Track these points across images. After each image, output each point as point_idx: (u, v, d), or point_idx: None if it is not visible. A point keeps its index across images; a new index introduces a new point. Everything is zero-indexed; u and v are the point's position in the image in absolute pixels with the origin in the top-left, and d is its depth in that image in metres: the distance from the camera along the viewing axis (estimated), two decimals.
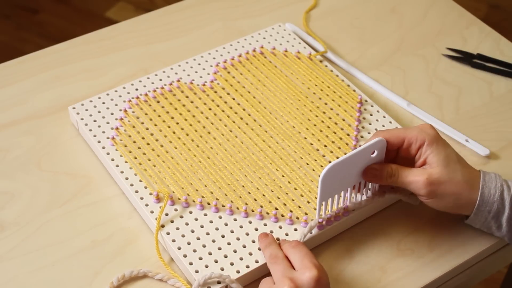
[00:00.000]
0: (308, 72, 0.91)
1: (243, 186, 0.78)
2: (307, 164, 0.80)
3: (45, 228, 0.76)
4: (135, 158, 0.80)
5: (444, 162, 0.72)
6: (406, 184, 0.72)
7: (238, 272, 0.70)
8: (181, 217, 0.75)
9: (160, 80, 0.89)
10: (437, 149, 0.72)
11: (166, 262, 0.73)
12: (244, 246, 0.73)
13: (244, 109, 0.86)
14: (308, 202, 0.76)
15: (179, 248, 0.72)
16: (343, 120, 0.85)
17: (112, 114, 0.85)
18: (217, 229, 0.74)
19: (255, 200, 0.76)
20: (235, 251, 0.72)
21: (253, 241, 0.73)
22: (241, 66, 0.91)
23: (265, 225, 0.74)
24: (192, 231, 0.74)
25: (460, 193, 0.72)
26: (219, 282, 0.70)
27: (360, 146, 0.82)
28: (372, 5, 1.06)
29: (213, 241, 0.73)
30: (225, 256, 0.72)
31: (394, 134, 0.73)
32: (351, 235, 0.76)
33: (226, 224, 0.74)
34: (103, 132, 0.82)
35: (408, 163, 0.74)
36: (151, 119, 0.84)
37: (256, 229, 0.74)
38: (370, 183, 0.75)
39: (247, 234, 0.74)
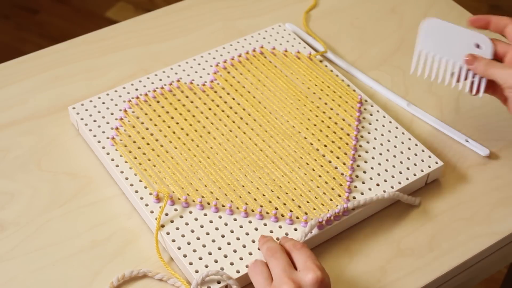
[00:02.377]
0: (308, 72, 0.91)
1: (243, 186, 0.78)
2: (307, 164, 0.80)
3: (45, 228, 0.76)
4: (135, 158, 0.80)
5: None
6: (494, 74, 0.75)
7: (238, 272, 0.71)
8: (181, 217, 0.75)
9: (160, 80, 0.89)
10: None
11: (166, 262, 0.73)
12: (244, 246, 0.73)
13: (244, 109, 0.86)
14: (308, 202, 0.76)
15: (179, 248, 0.72)
16: (343, 120, 0.85)
17: (112, 114, 0.85)
18: (217, 229, 0.74)
19: (255, 200, 0.76)
20: (235, 251, 0.72)
21: (253, 241, 0.73)
22: (241, 66, 0.91)
23: (265, 225, 0.74)
24: (192, 231, 0.74)
25: None
26: (219, 282, 0.70)
27: (360, 146, 0.82)
28: (372, 5, 1.06)
29: (213, 241, 0.73)
30: (225, 256, 0.72)
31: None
32: (351, 235, 0.76)
33: (226, 224, 0.74)
34: (103, 132, 0.82)
35: None
36: (151, 119, 0.84)
37: (256, 229, 0.74)
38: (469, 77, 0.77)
39: (247, 234, 0.74)
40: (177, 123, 0.83)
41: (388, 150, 0.82)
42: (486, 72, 0.76)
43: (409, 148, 0.83)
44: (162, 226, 0.74)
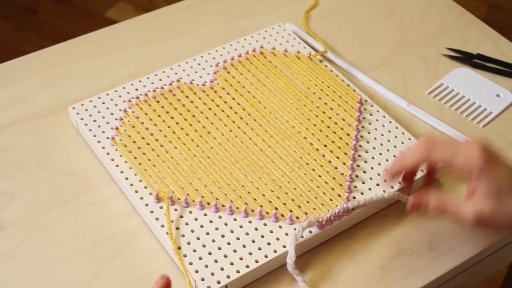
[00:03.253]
0: (308, 72, 0.91)
1: (243, 186, 0.78)
2: (307, 164, 0.80)
3: (45, 228, 0.76)
4: (135, 158, 0.80)
5: (497, 194, 0.65)
6: (454, 218, 0.69)
7: (238, 272, 0.70)
8: (181, 217, 0.75)
9: (160, 80, 0.89)
10: (489, 179, 0.65)
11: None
12: (244, 246, 0.73)
13: (244, 109, 0.86)
14: (308, 202, 0.76)
15: (179, 248, 0.72)
16: (343, 120, 0.85)
17: (112, 114, 0.85)
18: (217, 229, 0.74)
19: (255, 199, 0.76)
20: (235, 251, 0.72)
21: (253, 241, 0.73)
22: (241, 66, 0.91)
23: (265, 225, 0.74)
24: (192, 231, 0.74)
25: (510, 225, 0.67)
26: (218, 282, 0.70)
27: (360, 146, 0.82)
28: (372, 5, 1.06)
29: (213, 241, 0.73)
30: (225, 256, 0.72)
31: (440, 156, 0.67)
32: (351, 235, 0.76)
33: (226, 224, 0.74)
34: (103, 132, 0.82)
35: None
36: (151, 119, 0.84)
37: (256, 229, 0.74)
38: None
39: (247, 234, 0.74)
40: (177, 123, 0.83)
41: (388, 150, 0.82)
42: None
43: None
44: (162, 226, 0.74)
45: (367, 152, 0.82)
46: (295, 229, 0.74)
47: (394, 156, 0.82)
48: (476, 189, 0.67)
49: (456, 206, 0.68)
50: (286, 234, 0.74)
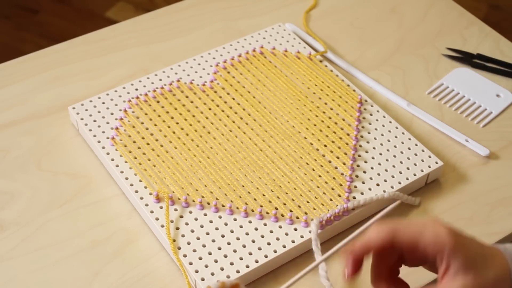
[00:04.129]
0: (308, 72, 0.91)
1: (243, 186, 0.78)
2: (307, 164, 0.80)
3: (45, 228, 0.76)
4: (135, 158, 0.80)
5: (473, 265, 0.60)
6: None
7: (238, 271, 0.70)
8: (181, 217, 0.75)
9: (160, 80, 0.89)
10: (463, 254, 0.60)
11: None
12: (244, 246, 0.73)
13: (244, 109, 0.86)
14: (308, 202, 0.76)
15: (179, 248, 0.72)
16: (343, 120, 0.85)
17: (112, 114, 0.85)
18: (217, 229, 0.74)
19: (255, 199, 0.76)
20: (235, 251, 0.72)
21: (253, 241, 0.73)
22: (241, 66, 0.91)
23: (265, 225, 0.74)
24: (192, 231, 0.74)
25: None
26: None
27: (360, 146, 0.82)
28: (372, 5, 1.06)
29: (213, 241, 0.73)
30: (225, 256, 0.72)
31: (407, 235, 0.61)
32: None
33: (226, 224, 0.74)
34: (103, 132, 0.82)
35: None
36: (151, 119, 0.84)
37: (256, 229, 0.74)
38: None
39: (247, 234, 0.74)
40: (177, 123, 0.83)
41: (388, 150, 0.82)
42: None
43: (409, 148, 0.83)
44: (162, 226, 0.74)
45: (367, 152, 0.82)
46: (295, 229, 0.74)
47: (394, 156, 0.82)
48: (450, 267, 0.61)
49: None
50: (286, 234, 0.74)
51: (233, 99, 0.87)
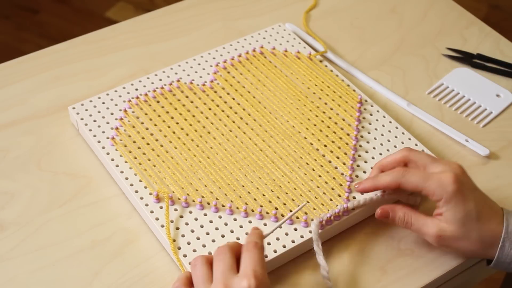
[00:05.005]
0: (308, 72, 0.91)
1: (243, 186, 0.78)
2: (307, 164, 0.80)
3: (45, 228, 0.76)
4: (135, 158, 0.80)
5: (461, 222, 0.68)
6: (418, 232, 0.72)
7: None
8: (181, 217, 0.75)
9: (160, 80, 0.89)
10: (455, 207, 0.69)
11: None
12: None
13: (244, 109, 0.86)
14: (308, 202, 0.76)
15: (179, 248, 0.72)
16: (343, 120, 0.85)
17: (112, 114, 0.85)
18: (217, 229, 0.74)
19: (255, 200, 0.76)
20: None
21: None
22: (241, 66, 0.91)
23: (265, 224, 0.74)
24: (192, 231, 0.74)
25: (474, 250, 0.70)
26: None
27: (360, 146, 0.82)
28: (372, 5, 1.06)
29: (213, 241, 0.73)
30: None
31: (412, 182, 0.70)
32: (351, 235, 0.76)
33: (226, 224, 0.74)
34: (103, 132, 0.82)
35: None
36: (151, 119, 0.84)
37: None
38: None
39: (247, 234, 0.74)
40: (177, 123, 0.83)
41: (388, 150, 0.82)
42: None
43: None
44: (162, 226, 0.74)
45: (367, 152, 0.82)
46: (295, 229, 0.74)
47: None
48: (443, 213, 0.70)
49: (421, 221, 0.71)
50: (286, 234, 0.74)
51: (233, 99, 0.87)
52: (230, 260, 0.65)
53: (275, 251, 0.72)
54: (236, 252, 0.66)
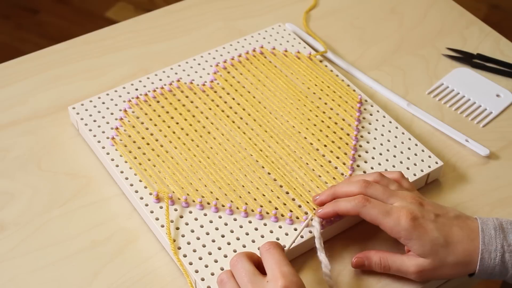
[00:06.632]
0: (308, 72, 0.91)
1: (243, 186, 0.78)
2: (307, 164, 0.80)
3: (45, 228, 0.76)
4: (135, 158, 0.80)
5: (432, 252, 0.68)
6: (398, 273, 0.71)
7: None
8: (181, 217, 0.75)
9: (160, 80, 0.89)
10: (419, 241, 0.68)
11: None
12: (244, 246, 0.73)
13: (244, 109, 0.86)
14: (308, 202, 0.76)
15: (179, 248, 0.72)
16: (343, 120, 0.85)
17: (112, 114, 0.85)
18: (217, 229, 0.74)
19: (255, 199, 0.76)
20: (235, 251, 0.72)
21: (253, 241, 0.73)
22: (241, 66, 0.91)
23: (265, 225, 0.74)
24: (192, 231, 0.74)
25: (455, 273, 0.69)
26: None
27: (360, 146, 0.82)
28: (372, 5, 1.06)
29: (213, 241, 0.73)
30: (225, 256, 0.72)
31: (371, 215, 0.69)
32: (351, 235, 0.76)
33: (226, 224, 0.74)
34: (103, 132, 0.82)
35: None
36: (151, 119, 0.84)
37: (256, 229, 0.74)
38: None
39: (247, 234, 0.74)
40: (177, 123, 0.83)
41: (388, 150, 0.82)
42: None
43: (409, 148, 0.83)
44: (162, 226, 0.74)
45: (367, 152, 0.82)
46: (295, 229, 0.74)
47: (394, 156, 0.82)
48: (410, 250, 0.70)
49: (398, 262, 0.71)
50: (286, 234, 0.74)
51: (233, 99, 0.87)
52: (249, 266, 0.65)
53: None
54: (250, 257, 0.66)
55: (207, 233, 0.74)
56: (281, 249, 0.67)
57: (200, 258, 0.71)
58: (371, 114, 0.86)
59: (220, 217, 0.75)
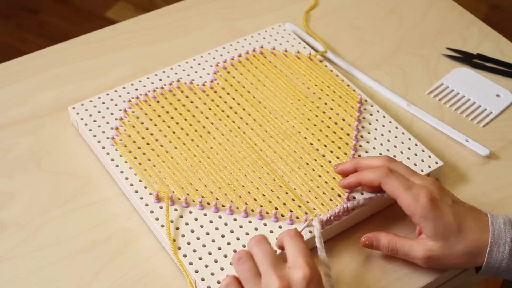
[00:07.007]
0: (308, 72, 0.91)
1: (243, 186, 0.78)
2: (307, 164, 0.80)
3: (45, 228, 0.76)
4: (135, 158, 0.80)
5: (443, 236, 0.68)
6: (406, 257, 0.71)
7: None
8: (181, 217, 0.75)
9: (160, 80, 0.89)
10: (434, 222, 0.68)
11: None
12: (244, 246, 0.73)
13: (244, 109, 0.86)
14: (308, 202, 0.76)
15: (179, 248, 0.72)
16: (343, 120, 0.85)
17: (112, 114, 0.85)
18: (217, 229, 0.74)
19: (255, 199, 0.76)
20: (235, 251, 0.72)
21: None
22: (241, 66, 0.91)
23: (265, 225, 0.74)
24: (192, 231, 0.74)
25: (463, 263, 0.69)
26: (218, 282, 0.70)
27: (360, 146, 0.82)
28: (372, 5, 1.06)
29: (213, 241, 0.73)
30: (225, 256, 0.72)
31: (392, 186, 0.70)
32: (351, 234, 0.76)
33: (226, 224, 0.74)
34: (103, 132, 0.82)
35: None
36: (151, 119, 0.84)
37: (256, 229, 0.74)
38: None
39: (247, 234, 0.74)
40: (177, 123, 0.83)
41: (388, 150, 0.82)
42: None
43: (409, 148, 0.83)
44: (162, 226, 0.74)
45: (367, 152, 0.82)
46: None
47: (394, 156, 0.82)
48: (422, 230, 0.70)
49: (407, 246, 0.71)
50: None
51: (233, 99, 0.87)
52: (271, 249, 0.64)
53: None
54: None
55: (207, 233, 0.74)
56: (303, 239, 0.66)
57: (200, 258, 0.71)
58: (371, 114, 0.86)
59: (220, 217, 0.75)
